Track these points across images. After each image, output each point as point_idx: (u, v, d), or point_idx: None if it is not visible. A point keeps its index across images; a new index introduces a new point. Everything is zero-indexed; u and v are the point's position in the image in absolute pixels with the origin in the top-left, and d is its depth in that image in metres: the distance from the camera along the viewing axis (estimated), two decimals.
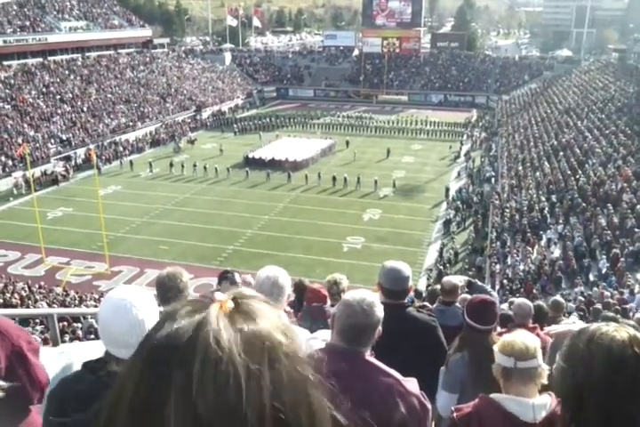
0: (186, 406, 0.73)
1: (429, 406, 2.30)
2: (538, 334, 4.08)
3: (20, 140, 39.59)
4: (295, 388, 0.79)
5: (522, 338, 2.43)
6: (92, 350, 2.12)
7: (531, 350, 2.36)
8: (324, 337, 2.74)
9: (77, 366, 2.09)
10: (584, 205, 25.55)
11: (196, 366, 0.75)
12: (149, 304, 1.96)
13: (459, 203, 33.20)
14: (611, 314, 9.12)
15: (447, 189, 35.44)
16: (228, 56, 76.47)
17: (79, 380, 1.99)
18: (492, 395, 2.35)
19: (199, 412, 0.73)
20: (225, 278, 4.39)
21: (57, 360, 4.15)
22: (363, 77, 71.30)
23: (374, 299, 2.32)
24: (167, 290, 3.10)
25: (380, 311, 2.28)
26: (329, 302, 4.46)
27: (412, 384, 2.25)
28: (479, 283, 5.39)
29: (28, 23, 53.16)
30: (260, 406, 0.75)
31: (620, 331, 1.40)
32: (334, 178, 37.02)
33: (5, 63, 48.96)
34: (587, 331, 1.44)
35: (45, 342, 9.03)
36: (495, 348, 2.50)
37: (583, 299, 17.12)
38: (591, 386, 1.34)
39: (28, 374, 2.39)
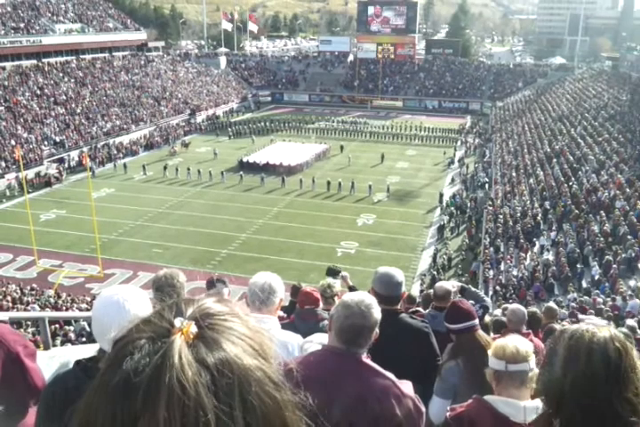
0: None
1: (424, 409, 2.32)
2: (531, 340, 4.09)
3: (12, 142, 39.46)
4: (267, 414, 0.76)
5: (514, 342, 2.47)
6: (84, 354, 2.11)
7: (522, 354, 2.38)
8: (319, 340, 2.74)
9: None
10: (577, 211, 25.66)
11: (162, 412, 0.71)
12: (142, 299, 1.96)
13: (452, 209, 33.30)
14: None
15: (441, 195, 35.53)
16: (222, 60, 76.55)
17: (71, 378, 2.00)
18: (485, 396, 2.39)
19: None
20: (220, 282, 4.37)
21: (48, 364, 4.12)
22: (357, 83, 71.51)
23: (372, 301, 2.33)
24: (163, 289, 3.09)
25: (377, 313, 2.29)
26: (321, 305, 4.45)
27: (407, 387, 2.26)
28: (472, 289, 5.39)
29: (22, 25, 53.08)
30: None
31: (600, 330, 1.44)
32: (328, 182, 37.06)
33: None
34: (567, 330, 1.48)
35: (36, 344, 8.95)
36: (489, 352, 2.53)
37: (576, 305, 17.16)
38: (572, 382, 1.37)
39: (24, 379, 2.38)
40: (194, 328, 0.78)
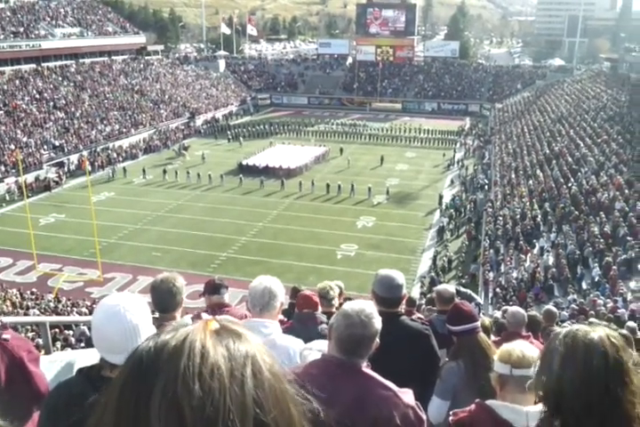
0: (169, 408, 0.74)
1: (424, 417, 2.30)
2: (531, 342, 4.10)
3: (12, 146, 39.48)
4: (276, 398, 0.81)
5: (520, 347, 2.48)
6: (88, 358, 2.11)
7: (527, 359, 2.38)
8: (319, 347, 2.72)
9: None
10: (576, 213, 25.67)
11: (181, 367, 0.76)
12: (143, 310, 1.95)
13: (452, 211, 33.30)
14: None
15: (440, 197, 35.53)
16: (222, 63, 76.64)
17: (73, 386, 1.99)
18: (488, 401, 2.37)
19: (183, 412, 0.74)
20: (221, 287, 4.37)
21: (48, 368, 4.12)
22: (356, 85, 71.60)
23: (373, 310, 2.31)
24: (160, 293, 3.10)
25: (378, 323, 2.27)
26: (320, 308, 4.44)
27: (407, 396, 2.24)
28: (463, 289, 5.43)
29: (21, 29, 53.16)
30: (243, 410, 0.77)
31: (595, 329, 1.46)
32: (328, 185, 37.06)
33: None
34: (562, 331, 1.49)
35: (36, 348, 8.93)
36: (494, 356, 2.55)
37: (576, 307, 17.16)
38: (571, 380, 1.38)
39: (28, 384, 2.38)
40: (215, 324, 0.84)
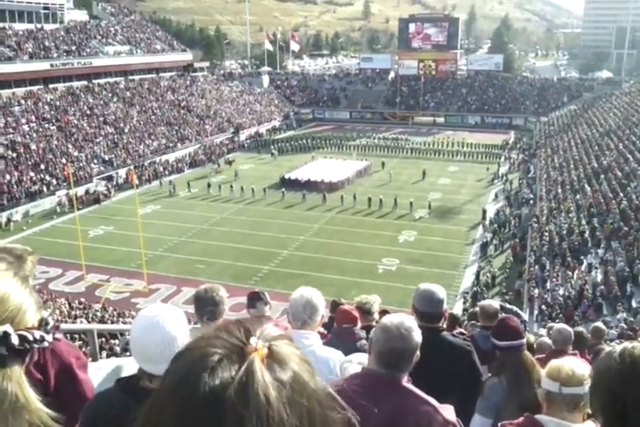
0: None
1: None
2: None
3: (64, 160, 40.87)
4: (323, 422, 0.82)
5: (570, 364, 2.39)
6: (134, 365, 2.16)
7: (578, 377, 2.30)
8: (359, 360, 2.73)
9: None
10: (626, 229, 24.91)
11: (252, 423, 0.74)
12: (181, 321, 1.99)
13: (496, 226, 32.76)
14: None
15: (484, 212, 35.01)
16: (265, 79, 77.83)
17: (112, 396, 2.02)
18: (537, 416, 2.32)
19: None
20: (259, 299, 4.42)
21: (95, 375, 4.23)
22: (399, 99, 71.54)
23: (412, 323, 2.30)
24: (203, 303, 3.19)
25: (418, 336, 2.26)
26: (359, 324, 4.43)
27: (448, 412, 2.21)
28: (508, 306, 5.34)
29: (74, 48, 55.25)
30: None
31: None
32: (370, 199, 37.01)
33: (52, 86, 50.88)
34: (616, 348, 1.46)
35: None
36: (542, 372, 2.48)
37: (625, 326, 16.60)
38: (634, 399, 1.33)
39: (76, 390, 2.45)
40: (266, 350, 0.81)
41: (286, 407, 0.77)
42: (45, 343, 1.12)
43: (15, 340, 1.02)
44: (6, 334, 1.01)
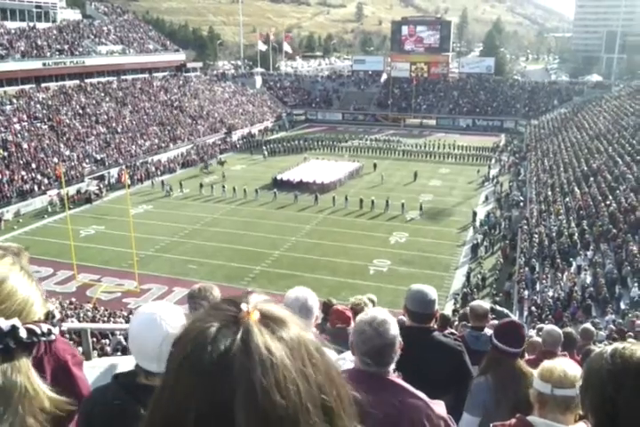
0: (253, 410, 0.79)
1: None
2: None
3: (55, 160, 40.70)
4: (332, 380, 0.89)
5: (563, 365, 2.38)
6: (128, 364, 2.20)
7: (570, 379, 2.30)
8: (352, 358, 2.78)
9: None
10: (615, 231, 25.15)
11: (258, 375, 0.80)
12: (179, 319, 2.02)
13: (486, 227, 32.95)
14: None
15: (475, 214, 35.19)
16: (258, 80, 77.81)
17: (109, 392, 2.05)
18: (529, 417, 2.33)
19: (267, 414, 0.79)
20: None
21: (89, 374, 4.28)
22: (391, 101, 71.75)
23: (385, 316, 2.29)
24: (197, 301, 3.23)
25: (394, 328, 2.26)
26: (352, 324, 4.48)
27: (439, 407, 2.24)
28: (499, 308, 5.41)
29: (66, 47, 55.04)
30: (314, 400, 0.83)
31: (638, 346, 1.44)
32: (361, 200, 37.12)
33: (44, 85, 50.64)
34: (606, 349, 1.48)
35: None
36: (534, 373, 2.47)
37: (614, 327, 16.77)
38: (625, 399, 1.36)
39: (72, 387, 2.48)
40: (257, 313, 0.87)
41: (289, 355, 0.83)
42: (52, 336, 1.15)
43: (23, 333, 1.05)
44: (15, 328, 1.03)
